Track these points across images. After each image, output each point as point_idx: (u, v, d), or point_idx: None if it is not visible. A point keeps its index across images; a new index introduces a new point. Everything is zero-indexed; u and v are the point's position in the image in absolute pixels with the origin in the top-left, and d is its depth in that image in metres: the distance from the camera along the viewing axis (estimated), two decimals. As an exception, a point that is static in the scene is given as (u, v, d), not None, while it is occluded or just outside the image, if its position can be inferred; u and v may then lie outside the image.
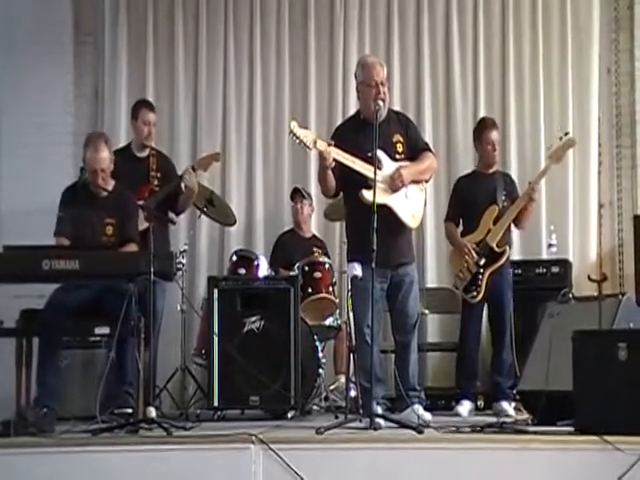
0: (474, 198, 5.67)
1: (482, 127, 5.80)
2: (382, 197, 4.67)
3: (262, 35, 6.99)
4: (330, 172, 4.72)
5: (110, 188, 5.08)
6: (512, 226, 5.74)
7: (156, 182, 5.58)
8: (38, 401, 4.72)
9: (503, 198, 5.63)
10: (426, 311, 6.10)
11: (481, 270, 5.55)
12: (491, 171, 5.78)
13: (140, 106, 5.82)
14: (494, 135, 5.73)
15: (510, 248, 5.69)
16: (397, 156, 4.88)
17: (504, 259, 5.57)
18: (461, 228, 5.76)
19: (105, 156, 5.03)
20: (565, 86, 6.76)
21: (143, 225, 5.03)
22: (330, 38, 6.95)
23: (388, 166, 4.82)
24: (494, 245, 5.56)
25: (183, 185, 5.53)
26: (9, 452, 3.93)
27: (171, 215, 5.60)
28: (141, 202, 5.27)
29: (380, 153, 4.72)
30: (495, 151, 5.74)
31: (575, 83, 6.76)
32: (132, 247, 4.97)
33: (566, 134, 5.83)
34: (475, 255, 5.55)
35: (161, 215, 5.30)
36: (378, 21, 6.95)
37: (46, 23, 6.80)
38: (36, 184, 6.31)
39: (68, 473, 3.94)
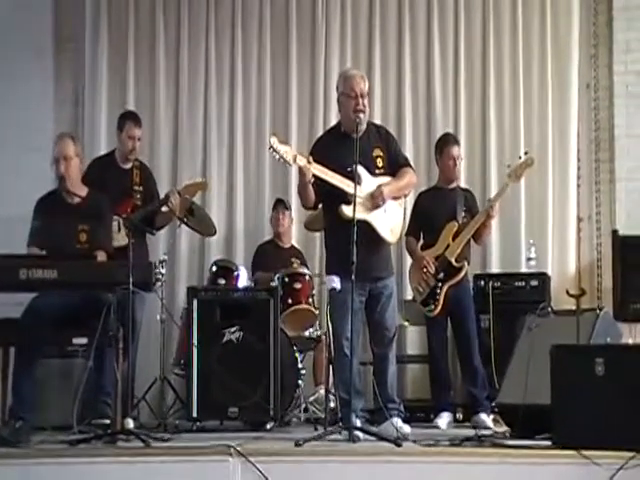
0: (434, 213, 5.71)
1: (444, 142, 5.83)
2: (361, 213, 4.68)
3: (244, 45, 7.00)
4: (310, 186, 4.73)
5: (83, 194, 5.05)
6: (472, 242, 5.77)
7: (138, 196, 5.56)
8: (13, 411, 4.68)
9: (463, 214, 5.68)
10: (406, 323, 6.12)
11: (439, 284, 5.58)
12: (452, 186, 5.81)
13: (126, 119, 5.78)
14: (455, 150, 5.77)
15: (469, 264, 5.72)
16: (377, 171, 4.90)
17: (462, 274, 5.61)
18: (422, 242, 5.78)
19: (69, 145, 4.99)
20: (545, 101, 6.80)
21: (124, 240, 4.99)
22: (311, 52, 6.97)
23: (368, 182, 4.83)
24: (453, 260, 5.59)
25: (166, 208, 5.52)
26: (-16, 463, 3.89)
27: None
28: (124, 216, 5.24)
29: (360, 168, 4.73)
30: (456, 166, 5.77)
31: (554, 98, 6.81)
32: (102, 255, 4.92)
33: (526, 153, 5.88)
34: (434, 269, 5.58)
35: (143, 228, 5.28)
36: (359, 35, 6.98)
37: (26, 29, 6.78)
38: (16, 191, 6.27)
39: (44, 484, 3.91)
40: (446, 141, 5.83)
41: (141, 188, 5.62)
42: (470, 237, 5.68)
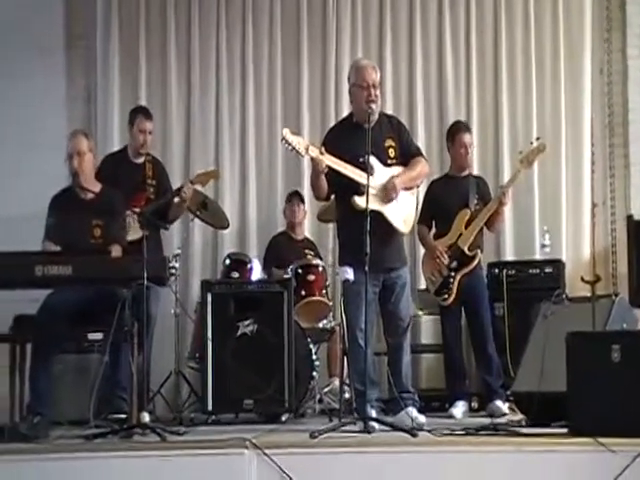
0: (446, 201, 5.67)
1: (455, 130, 5.80)
2: (374, 204, 4.66)
3: (254, 38, 6.98)
4: (322, 177, 4.72)
5: (97, 190, 5.07)
6: (485, 230, 5.75)
7: (151, 190, 5.58)
8: (31, 407, 4.71)
9: (475, 202, 5.64)
10: (420, 312, 6.11)
11: (452, 273, 5.56)
12: (464, 174, 5.78)
13: (137, 113, 5.80)
14: (467, 138, 5.74)
15: (482, 252, 5.69)
16: (389, 161, 4.88)
17: (475, 262, 5.59)
18: (434, 230, 5.76)
19: (82, 140, 5.01)
20: (558, 86, 6.77)
21: (137, 234, 5.02)
22: (322, 43, 6.95)
23: (380, 172, 4.81)
24: (465, 248, 5.57)
25: (178, 199, 5.53)
26: (2, 459, 3.92)
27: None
28: (137, 209, 5.25)
29: (372, 159, 4.72)
30: (468, 154, 5.74)
31: (567, 83, 6.77)
32: (117, 250, 4.94)
33: (537, 139, 5.84)
34: (446, 259, 5.56)
35: (156, 222, 5.29)
36: (370, 26, 6.94)
37: (38, 26, 6.78)
38: (28, 189, 6.29)
39: (61, 479, 3.93)
40: (457, 129, 5.80)
41: (154, 182, 5.64)
42: (483, 225, 5.65)
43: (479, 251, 5.62)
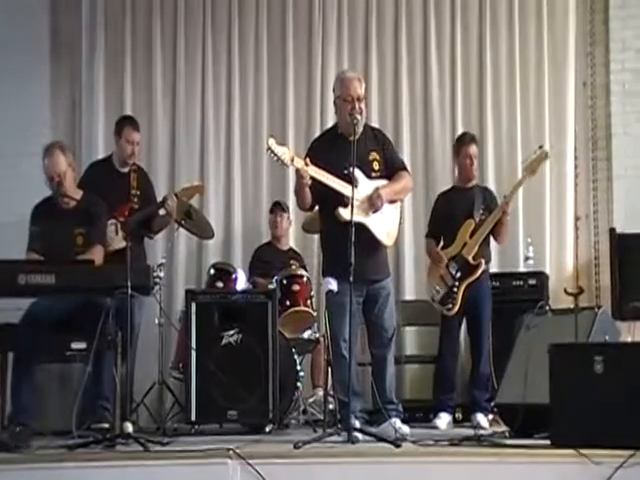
0: (452, 213, 5.70)
1: (461, 141, 5.86)
2: (358, 216, 4.67)
3: (240, 48, 7.00)
4: (307, 188, 4.73)
5: (77, 197, 5.06)
6: (492, 240, 5.76)
7: (136, 200, 5.56)
8: (13, 417, 4.69)
9: (481, 212, 5.66)
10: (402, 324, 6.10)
11: (456, 283, 5.58)
12: (469, 185, 5.82)
13: (124, 124, 5.78)
14: (472, 149, 5.78)
15: (487, 262, 5.70)
16: (373, 174, 4.90)
17: (479, 272, 5.59)
18: (442, 243, 5.77)
19: (60, 161, 5.00)
20: (541, 99, 6.81)
21: (122, 244, 5.01)
22: (308, 54, 6.97)
23: (364, 184, 4.82)
24: (470, 258, 5.58)
25: (163, 210, 5.53)
26: (-16, 469, 3.89)
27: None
28: (121, 219, 5.23)
29: (356, 171, 4.73)
30: (473, 165, 5.79)
31: (551, 96, 6.81)
32: (98, 250, 4.93)
33: (540, 147, 5.88)
34: (450, 268, 5.57)
35: (140, 232, 5.28)
36: (356, 37, 6.97)
37: (23, 34, 6.77)
38: (11, 196, 6.27)
39: (44, 489, 3.92)
40: (463, 140, 5.85)
41: (139, 192, 5.60)
42: (488, 235, 5.65)
43: (483, 261, 5.61)
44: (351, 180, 4.65)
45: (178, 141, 6.96)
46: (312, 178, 4.68)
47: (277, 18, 7.01)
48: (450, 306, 5.56)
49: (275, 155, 4.63)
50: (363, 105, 4.88)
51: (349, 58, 6.95)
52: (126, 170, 5.64)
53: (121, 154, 5.69)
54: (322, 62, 6.93)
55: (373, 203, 4.80)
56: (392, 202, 4.95)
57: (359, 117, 4.79)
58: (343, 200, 4.67)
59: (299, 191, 4.79)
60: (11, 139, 6.58)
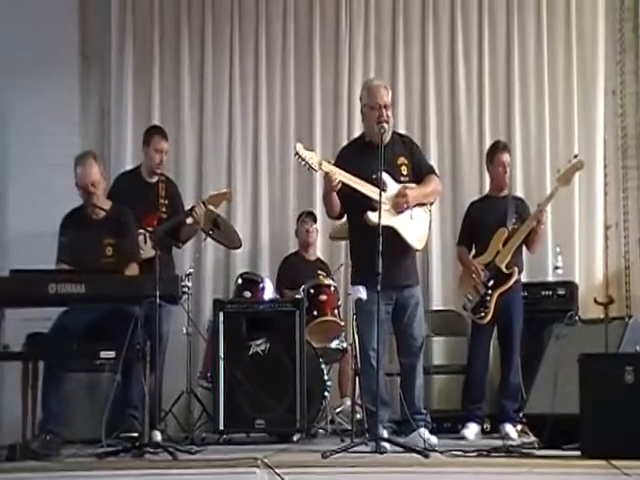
0: (485, 221, 5.68)
1: (494, 150, 5.84)
2: (387, 219, 4.67)
3: (267, 57, 7.02)
4: (335, 194, 4.73)
5: (107, 208, 5.09)
6: (525, 249, 5.72)
7: (164, 209, 5.59)
8: (43, 425, 4.71)
9: (514, 221, 5.63)
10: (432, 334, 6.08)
11: (489, 291, 5.55)
12: (502, 194, 5.80)
13: (153, 133, 5.82)
14: (505, 157, 5.76)
15: (520, 272, 5.66)
16: (402, 178, 4.89)
17: (512, 281, 5.56)
18: (474, 252, 5.75)
19: (93, 170, 5.04)
20: (571, 108, 6.78)
21: (150, 253, 5.04)
22: (335, 61, 6.98)
23: (393, 188, 4.82)
24: (503, 267, 5.55)
25: (190, 219, 5.56)
26: (15, 477, 3.91)
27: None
28: (150, 229, 5.27)
29: (385, 175, 4.73)
30: (506, 173, 5.77)
31: (580, 105, 6.78)
32: (133, 267, 4.97)
33: (575, 156, 5.84)
34: (482, 276, 5.55)
35: (169, 241, 5.31)
36: (383, 44, 6.98)
37: (53, 43, 6.80)
38: (43, 207, 6.30)
39: (73, 497, 3.94)
40: (496, 149, 5.83)
41: (167, 201, 5.65)
42: (521, 244, 5.62)
43: (516, 270, 5.57)
44: (379, 185, 4.64)
45: (205, 150, 6.99)
46: (340, 182, 4.67)
47: (304, 26, 7.02)
48: (483, 315, 5.54)
49: (303, 160, 4.63)
50: (390, 112, 4.88)
51: (376, 65, 6.95)
52: (154, 180, 5.68)
53: (149, 163, 5.72)
54: (349, 68, 6.93)
55: (398, 202, 4.78)
56: (421, 205, 4.93)
57: (387, 126, 4.80)
58: (372, 204, 4.65)
59: (327, 197, 4.79)
60: (41, 149, 6.63)
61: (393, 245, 4.67)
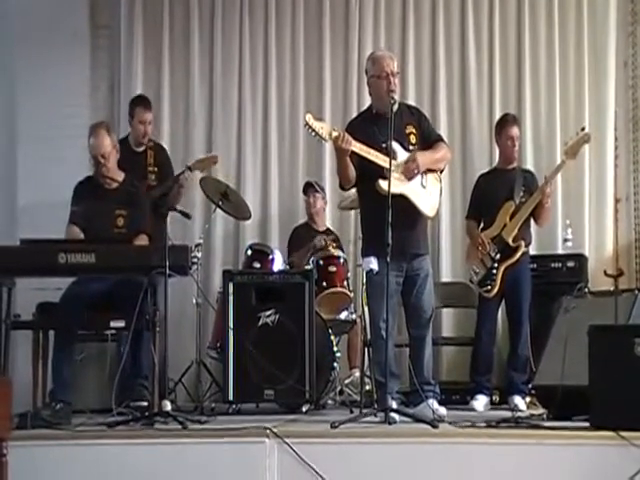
0: (493, 194, 5.67)
1: (503, 122, 5.81)
2: (398, 186, 4.65)
3: (277, 28, 6.98)
4: (348, 160, 4.68)
5: (120, 179, 5.10)
6: (533, 223, 5.71)
7: (153, 177, 5.62)
8: (53, 394, 4.75)
9: (521, 194, 5.61)
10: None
11: (495, 265, 5.54)
12: (511, 167, 5.77)
13: (135, 105, 5.86)
14: (514, 131, 5.73)
15: (528, 245, 5.65)
16: (410, 147, 4.87)
17: (519, 254, 5.54)
18: (482, 225, 5.74)
19: (105, 142, 5.02)
20: (581, 80, 6.73)
21: None
22: (345, 32, 6.93)
23: (402, 157, 4.80)
24: (509, 240, 5.54)
25: (178, 186, 5.56)
26: (26, 444, 3.95)
27: (186, 210, 5.61)
28: None
29: (394, 144, 4.71)
30: (515, 147, 5.75)
31: (591, 77, 6.73)
32: (143, 239, 4.98)
33: (582, 129, 5.81)
34: (489, 248, 5.54)
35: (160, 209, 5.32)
36: (393, 15, 6.93)
37: (62, 15, 6.78)
38: (53, 177, 6.31)
39: (84, 465, 3.98)
40: (505, 121, 5.80)
41: (155, 169, 5.68)
42: (528, 217, 5.61)
43: (523, 243, 5.55)
44: (389, 154, 4.62)
45: (215, 124, 6.96)
46: (351, 151, 4.64)
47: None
48: (489, 288, 5.53)
49: (313, 130, 4.60)
50: (397, 80, 4.86)
51: (386, 38, 6.90)
52: (141, 149, 5.70)
53: (135, 134, 5.75)
54: (359, 40, 6.89)
55: (408, 167, 4.75)
56: (432, 171, 4.91)
57: (396, 97, 4.77)
58: (383, 172, 4.62)
59: (341, 166, 4.74)
60: (51, 121, 6.62)
61: (405, 213, 4.65)
